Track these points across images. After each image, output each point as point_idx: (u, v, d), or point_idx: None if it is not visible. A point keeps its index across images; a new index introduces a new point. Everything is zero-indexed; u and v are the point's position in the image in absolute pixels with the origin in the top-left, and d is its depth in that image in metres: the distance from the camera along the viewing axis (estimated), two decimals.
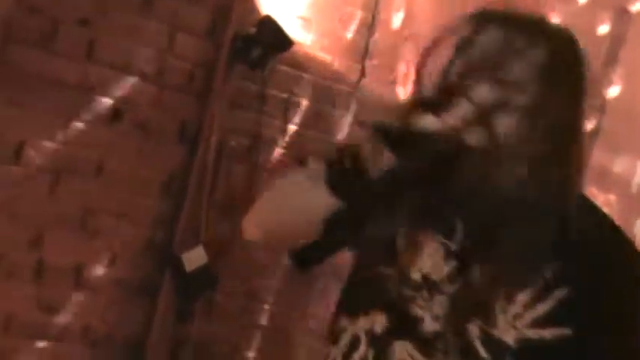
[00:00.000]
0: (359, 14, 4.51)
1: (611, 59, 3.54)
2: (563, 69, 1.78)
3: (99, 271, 3.94)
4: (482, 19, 1.79)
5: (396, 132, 1.63)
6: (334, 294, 1.91)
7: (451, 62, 1.74)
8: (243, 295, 4.25)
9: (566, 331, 1.71)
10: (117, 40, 3.85)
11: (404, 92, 4.71)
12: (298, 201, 1.78)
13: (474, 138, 1.67)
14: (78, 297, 3.90)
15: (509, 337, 1.72)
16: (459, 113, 1.67)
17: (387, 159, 1.65)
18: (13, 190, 3.73)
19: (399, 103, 1.71)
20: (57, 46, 3.73)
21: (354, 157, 1.66)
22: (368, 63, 4.60)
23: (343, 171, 1.68)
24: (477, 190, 1.71)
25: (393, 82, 4.63)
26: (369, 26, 4.57)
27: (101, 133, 3.87)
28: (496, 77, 1.72)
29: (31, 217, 3.78)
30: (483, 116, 1.68)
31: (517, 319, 1.72)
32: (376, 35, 4.60)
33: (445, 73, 1.73)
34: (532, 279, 1.71)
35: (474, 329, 1.72)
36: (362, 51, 4.56)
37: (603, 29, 3.64)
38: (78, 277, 3.90)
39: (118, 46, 3.86)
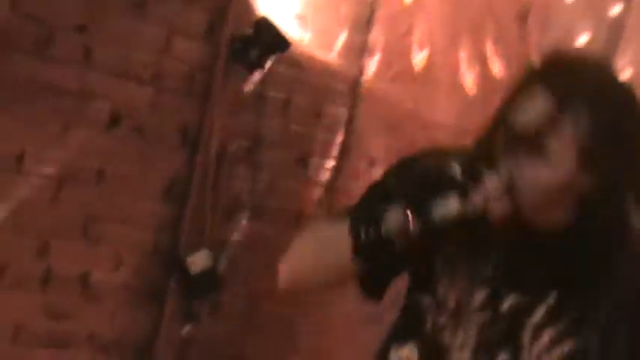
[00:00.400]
0: (356, 11, 4.50)
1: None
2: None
3: (105, 277, 3.94)
4: (566, 91, 1.73)
5: (434, 221, 1.67)
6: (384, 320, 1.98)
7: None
8: (248, 296, 4.25)
9: None
10: (114, 46, 3.84)
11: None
12: (326, 254, 1.84)
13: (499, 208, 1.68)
14: (85, 304, 3.90)
15: None
16: (487, 190, 1.68)
17: (412, 233, 1.69)
18: (15, 199, 3.73)
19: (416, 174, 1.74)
20: (53, 53, 3.73)
21: (378, 228, 1.71)
22: (366, 60, 4.60)
23: (368, 241, 1.72)
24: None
25: (393, 78, 4.64)
26: (367, 23, 4.57)
27: (101, 139, 3.86)
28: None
29: (35, 227, 3.78)
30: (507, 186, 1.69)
31: (544, 354, 1.74)
32: (374, 31, 4.60)
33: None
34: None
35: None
36: (360, 48, 4.55)
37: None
38: (84, 284, 3.90)
39: (115, 51, 3.85)
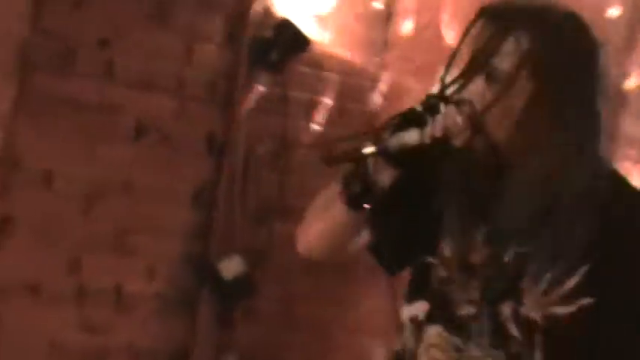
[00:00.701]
0: (374, 7, 4.49)
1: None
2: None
3: (138, 288, 3.95)
4: (506, 17, 1.92)
5: (392, 150, 1.86)
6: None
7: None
8: (283, 298, 4.25)
9: (589, 301, 1.82)
10: (135, 58, 3.85)
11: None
12: (328, 219, 1.99)
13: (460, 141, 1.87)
14: (119, 316, 3.91)
15: (537, 315, 1.85)
16: (445, 122, 1.86)
17: (389, 174, 1.90)
18: (46, 216, 3.75)
19: (387, 120, 1.92)
20: (76, 69, 3.74)
21: (363, 178, 1.90)
22: (387, 55, 4.59)
23: (355, 193, 1.91)
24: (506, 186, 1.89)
25: (415, 72, 4.62)
26: (386, 18, 4.56)
27: (128, 151, 3.88)
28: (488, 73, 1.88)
29: (66, 242, 3.79)
30: (471, 122, 1.86)
31: (544, 296, 1.85)
32: (393, 26, 4.59)
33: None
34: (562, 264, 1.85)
35: (506, 310, 1.86)
36: (380, 43, 4.55)
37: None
38: (118, 296, 3.91)
39: (137, 63, 3.86)
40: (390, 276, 2.08)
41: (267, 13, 4.10)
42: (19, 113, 3.62)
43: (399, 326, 2.00)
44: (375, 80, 4.52)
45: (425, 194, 1.95)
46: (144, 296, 3.96)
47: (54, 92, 3.71)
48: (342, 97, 4.40)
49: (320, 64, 4.32)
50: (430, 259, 1.97)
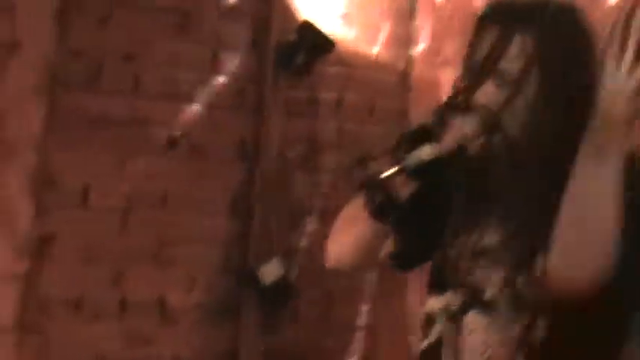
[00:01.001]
0: (398, 1, 4.49)
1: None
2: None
3: (180, 298, 3.98)
4: (484, 18, 1.99)
5: (410, 169, 1.93)
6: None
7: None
8: (324, 299, 4.26)
9: None
10: (161, 69, 3.88)
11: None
12: (354, 231, 2.06)
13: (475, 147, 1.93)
14: (163, 327, 3.94)
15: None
16: (459, 132, 1.92)
17: (409, 187, 1.96)
18: (85, 232, 3.78)
19: (403, 134, 2.00)
20: (104, 85, 3.77)
21: (385, 190, 1.97)
22: (414, 49, 4.58)
23: (379, 204, 1.98)
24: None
25: (442, 64, 4.61)
26: (410, 12, 4.55)
27: (160, 163, 3.90)
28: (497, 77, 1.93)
29: (107, 256, 3.83)
30: (486, 125, 1.91)
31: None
32: (418, 20, 4.58)
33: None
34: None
35: (520, 281, 1.94)
36: (406, 38, 4.54)
37: None
38: (161, 308, 3.94)
39: (164, 74, 3.89)
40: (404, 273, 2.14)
41: (291, 16, 4.11)
42: (51, 132, 3.66)
43: (427, 320, 2.04)
44: (403, 76, 4.52)
45: (442, 197, 2.02)
46: (186, 307, 3.98)
47: (84, 109, 3.74)
48: (370, 94, 4.41)
49: (347, 62, 4.33)
50: (448, 250, 2.03)
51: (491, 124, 1.91)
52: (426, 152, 1.92)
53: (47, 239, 3.71)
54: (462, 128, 1.92)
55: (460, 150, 1.93)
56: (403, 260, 2.12)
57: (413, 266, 2.16)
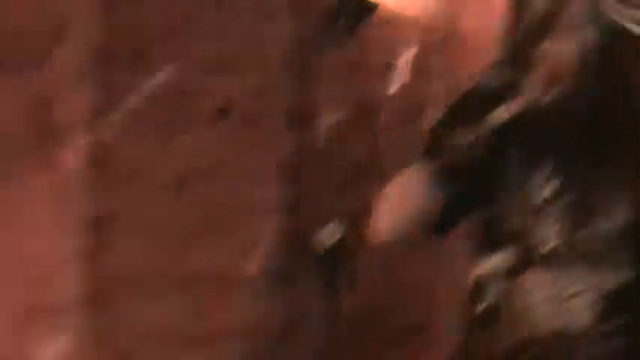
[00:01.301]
0: None
1: None
2: None
3: (239, 269, 4.00)
4: None
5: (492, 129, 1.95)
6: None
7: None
8: (383, 261, 4.26)
9: None
10: (204, 42, 3.89)
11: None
12: (411, 199, 2.12)
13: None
14: (224, 299, 3.96)
15: None
16: (529, 90, 1.93)
17: (482, 150, 1.99)
18: (140, 210, 3.81)
19: (465, 95, 1.87)
20: (150, 62, 3.78)
21: (455, 155, 2.00)
22: (461, 4, 4.54)
23: (445, 170, 2.02)
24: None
25: (495, 15, 4.55)
26: None
27: (210, 135, 3.91)
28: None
29: (163, 232, 3.85)
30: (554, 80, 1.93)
31: None
32: None
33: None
34: None
35: (582, 235, 1.96)
36: None
37: None
38: (220, 280, 3.96)
39: (206, 47, 3.89)
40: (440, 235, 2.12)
41: None
42: (101, 113, 3.68)
43: (478, 283, 2.02)
44: (450, 32, 4.48)
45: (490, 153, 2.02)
46: (245, 277, 4.00)
47: (130, 87, 3.76)
48: (417, 54, 4.38)
49: (393, 22, 4.30)
50: (498, 208, 1.96)
51: (558, 78, 1.88)
52: (501, 114, 1.92)
53: (104, 220, 3.74)
54: (531, 86, 1.91)
55: (531, 108, 1.91)
56: (445, 219, 2.09)
57: (454, 225, 2.14)
